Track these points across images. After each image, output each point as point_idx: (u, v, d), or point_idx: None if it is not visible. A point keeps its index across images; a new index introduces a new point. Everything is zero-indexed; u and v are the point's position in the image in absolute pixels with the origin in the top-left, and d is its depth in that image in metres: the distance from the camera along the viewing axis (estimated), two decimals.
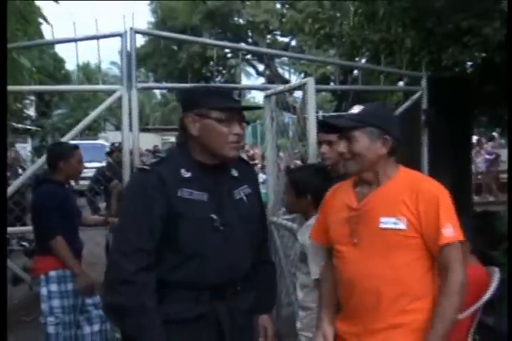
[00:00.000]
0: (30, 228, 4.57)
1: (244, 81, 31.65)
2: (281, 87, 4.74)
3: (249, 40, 27.61)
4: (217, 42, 7.24)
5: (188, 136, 2.35)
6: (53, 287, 4.02)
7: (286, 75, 26.16)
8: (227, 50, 22.90)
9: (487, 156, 16.33)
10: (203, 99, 2.33)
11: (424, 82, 5.64)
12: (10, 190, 4.77)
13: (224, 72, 27.94)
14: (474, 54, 5.18)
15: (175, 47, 25.39)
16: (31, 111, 24.60)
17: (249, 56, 25.18)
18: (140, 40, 22.13)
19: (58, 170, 4.15)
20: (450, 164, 5.66)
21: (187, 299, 2.28)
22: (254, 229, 2.47)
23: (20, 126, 20.50)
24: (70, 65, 28.73)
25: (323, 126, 2.72)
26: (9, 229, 4.41)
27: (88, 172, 4.67)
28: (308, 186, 3.14)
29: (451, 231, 2.24)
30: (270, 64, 25.84)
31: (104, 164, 7.37)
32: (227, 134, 2.29)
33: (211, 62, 24.42)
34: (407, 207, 2.27)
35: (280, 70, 28.11)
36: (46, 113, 26.86)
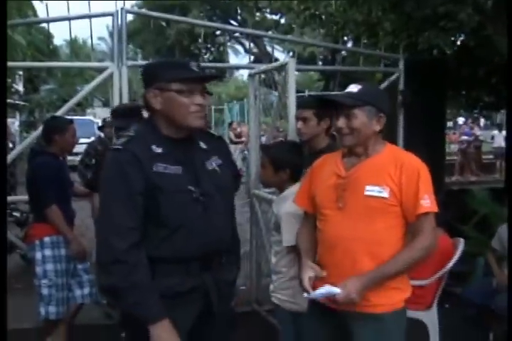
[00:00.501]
0: (21, 197, 4.77)
1: (233, 59, 31.65)
2: (264, 67, 4.97)
3: (239, 17, 27.48)
4: (204, 22, 7.41)
5: (153, 112, 2.37)
6: (47, 252, 4.23)
7: (275, 53, 26.16)
8: None
9: (465, 137, 16.66)
10: (161, 72, 2.32)
11: (401, 64, 5.83)
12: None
13: (212, 49, 27.82)
14: (449, 38, 5.38)
15: (163, 24, 25.23)
16: (19, 86, 24.57)
17: (237, 34, 25.11)
18: (129, 16, 22.03)
19: (53, 142, 4.32)
20: (424, 143, 5.86)
21: (177, 272, 2.29)
22: (230, 199, 2.52)
23: (9, 101, 20.49)
24: (58, 40, 28.54)
25: (323, 102, 2.88)
26: None
27: (77, 148, 4.84)
28: (286, 161, 3.35)
29: (428, 202, 2.46)
30: (258, 42, 25.77)
31: (94, 139, 7.55)
32: (188, 105, 2.29)
33: (199, 40, 24.32)
34: (391, 178, 2.48)
35: (269, 48, 28.06)
36: (35, 88, 26.74)
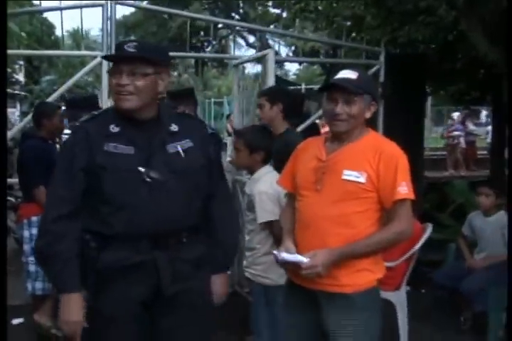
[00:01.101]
0: (16, 180, 4.95)
1: (235, 52, 31.72)
2: (246, 57, 5.14)
3: (241, 10, 27.56)
4: (201, 16, 7.48)
5: None
6: (34, 230, 4.33)
7: (277, 47, 26.19)
8: None
9: (456, 133, 16.72)
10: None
11: (382, 57, 5.92)
12: None
13: (214, 42, 27.89)
14: (428, 32, 5.51)
15: (165, 16, 25.17)
16: (20, 76, 24.71)
17: (238, 27, 25.17)
18: (130, 8, 22.05)
19: (42, 126, 4.51)
20: (403, 136, 5.93)
21: (126, 248, 2.30)
22: (195, 182, 2.40)
23: (9, 91, 20.65)
24: (60, 31, 28.67)
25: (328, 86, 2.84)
26: None
27: None
28: (261, 144, 3.56)
29: (405, 189, 2.48)
30: (260, 36, 25.80)
31: None
32: (113, 85, 2.31)
33: (201, 33, 24.40)
34: (370, 164, 2.50)
35: (271, 42, 28.13)
36: (35, 78, 26.84)
